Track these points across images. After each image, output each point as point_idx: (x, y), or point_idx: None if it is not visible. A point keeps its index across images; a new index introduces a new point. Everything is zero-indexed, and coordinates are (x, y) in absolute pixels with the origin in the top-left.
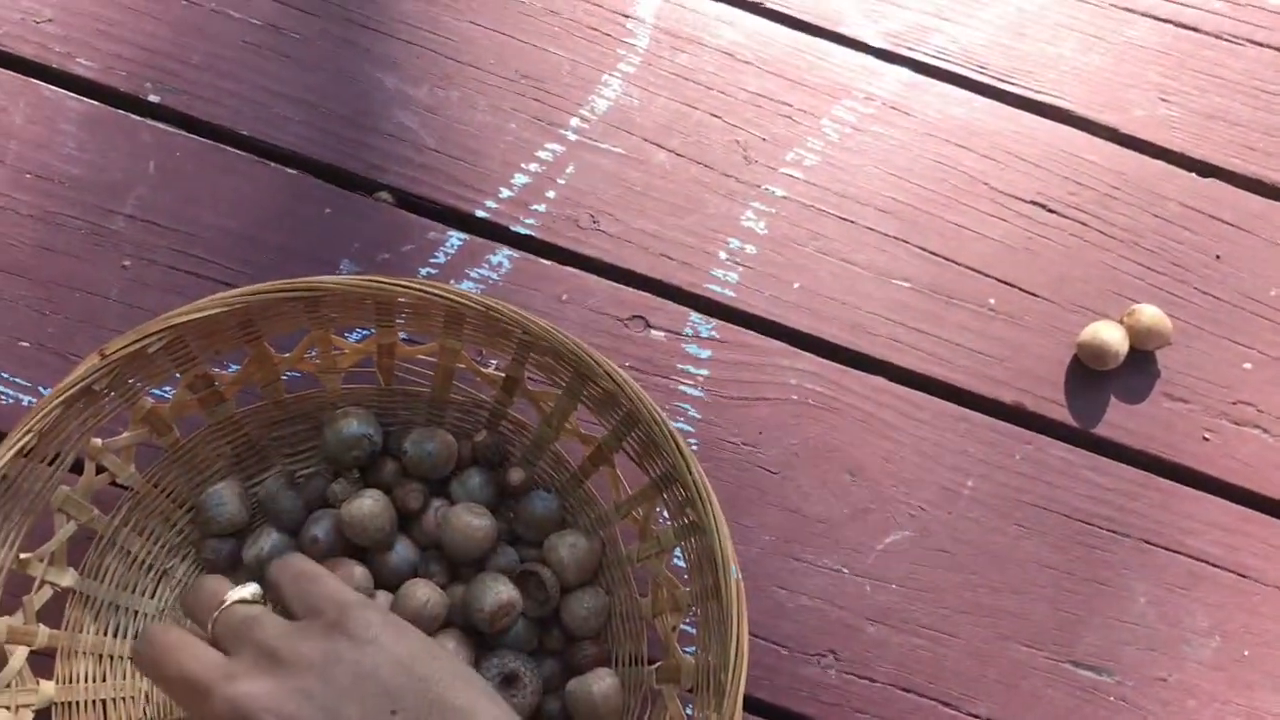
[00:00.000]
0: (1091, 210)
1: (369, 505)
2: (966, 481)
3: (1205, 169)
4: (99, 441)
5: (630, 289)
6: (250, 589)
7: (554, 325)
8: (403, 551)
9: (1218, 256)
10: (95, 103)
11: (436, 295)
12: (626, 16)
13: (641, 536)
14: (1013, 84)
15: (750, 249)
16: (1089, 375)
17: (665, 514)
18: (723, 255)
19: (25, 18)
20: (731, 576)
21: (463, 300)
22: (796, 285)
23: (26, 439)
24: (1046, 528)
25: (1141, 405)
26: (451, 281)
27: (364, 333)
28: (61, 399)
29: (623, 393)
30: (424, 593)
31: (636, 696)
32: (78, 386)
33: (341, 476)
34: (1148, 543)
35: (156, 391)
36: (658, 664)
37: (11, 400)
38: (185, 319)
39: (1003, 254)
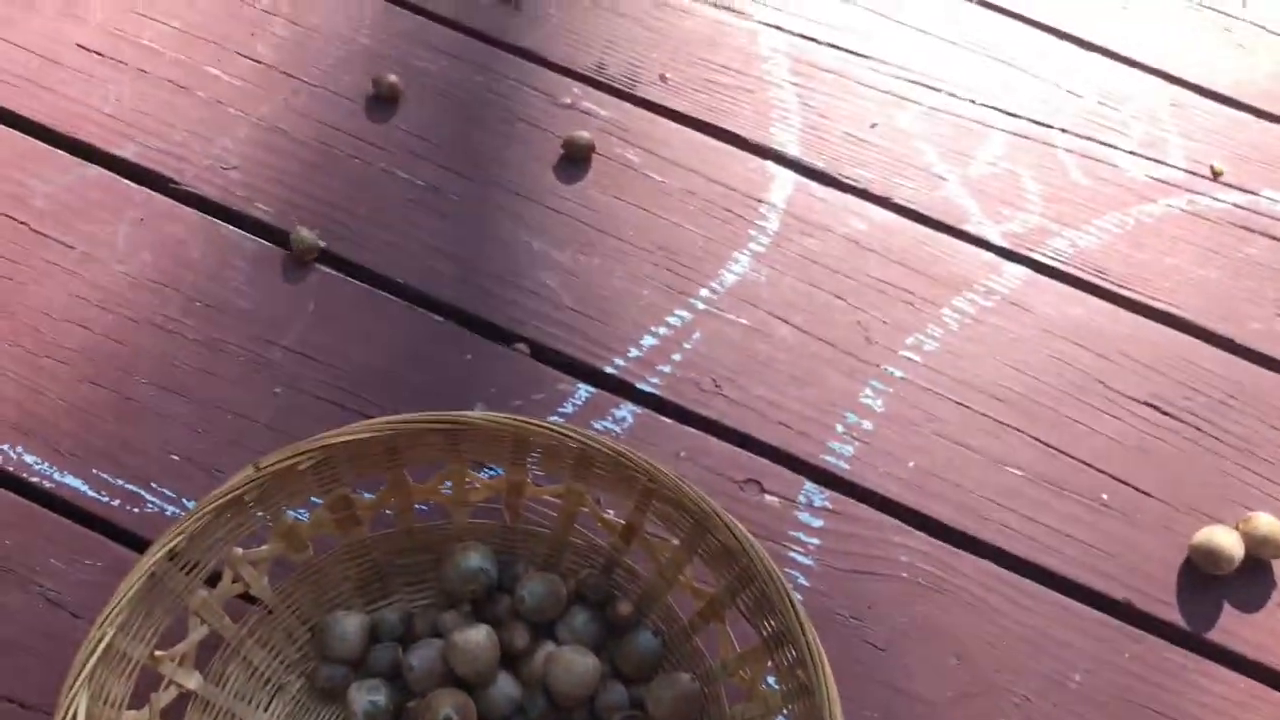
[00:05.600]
0: (1206, 416)
1: (481, 636)
2: (1073, 675)
3: None
4: (239, 551)
5: (747, 453)
6: None
7: (679, 476)
8: (505, 688)
9: None
10: (267, 244)
11: (570, 437)
12: (759, 201)
13: (748, 696)
14: (1129, 289)
15: (867, 425)
16: (1202, 579)
17: (773, 678)
18: (840, 429)
19: (214, 164)
20: None
21: (594, 444)
22: (911, 464)
23: (177, 540)
24: None
25: (1257, 615)
26: None
27: (493, 472)
28: (213, 506)
29: (740, 548)
30: None
31: None
32: (229, 496)
33: (454, 608)
34: None
35: (292, 512)
36: None
37: (156, 509)
38: (337, 440)
39: (1116, 451)
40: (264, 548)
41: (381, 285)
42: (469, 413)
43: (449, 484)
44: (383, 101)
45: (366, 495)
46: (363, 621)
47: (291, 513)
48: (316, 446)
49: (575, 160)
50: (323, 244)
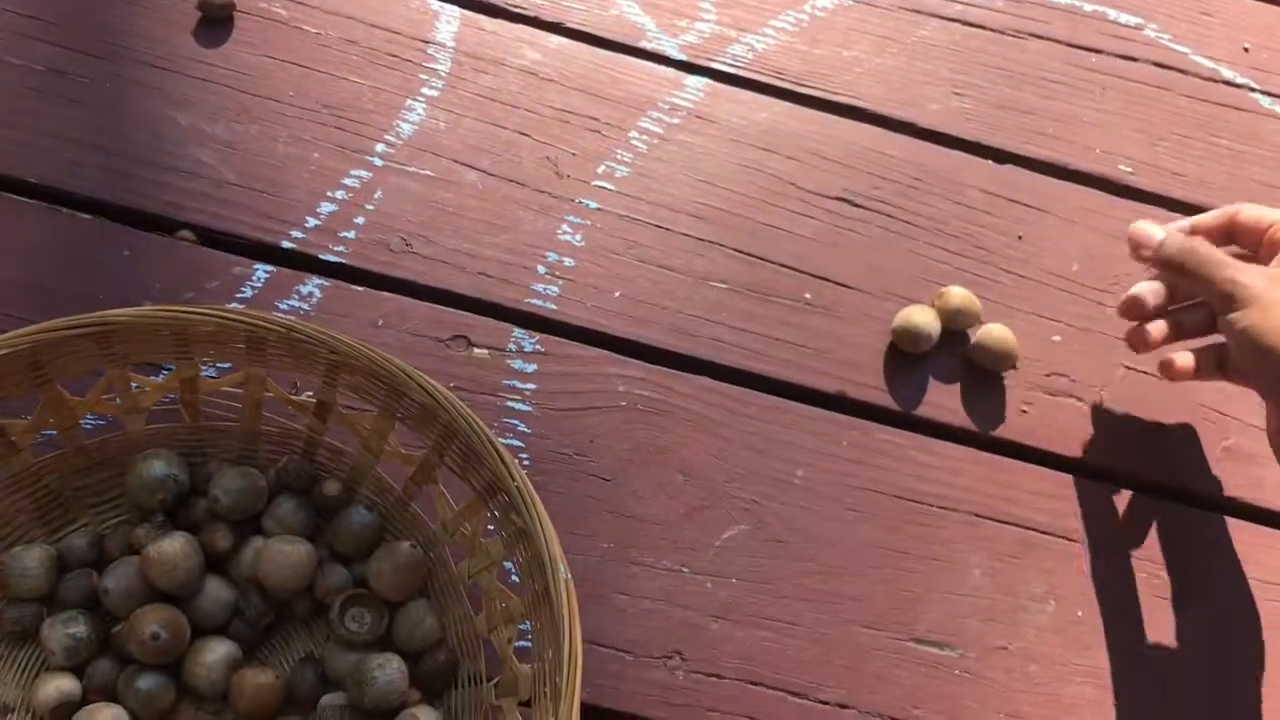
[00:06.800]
0: (896, 202)
1: (178, 545)
2: (796, 471)
3: (1002, 156)
4: None
5: (449, 309)
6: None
7: (361, 341)
8: (216, 593)
9: (1020, 237)
10: None
11: (234, 320)
12: (426, 42)
13: (471, 551)
14: (810, 88)
15: (569, 262)
16: (906, 359)
17: (494, 528)
18: (542, 270)
19: None
20: (560, 576)
21: (262, 323)
22: (617, 294)
23: None
24: (878, 510)
25: (959, 385)
26: None
27: (168, 370)
28: None
29: (438, 405)
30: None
31: (478, 715)
32: None
33: (146, 521)
34: (977, 515)
35: None
36: (496, 679)
37: None
38: None
39: (814, 250)
40: None
41: (12, 188)
42: (116, 310)
43: (114, 391)
44: None
45: (24, 418)
46: (45, 553)
47: None
48: None
49: (214, 21)
50: None
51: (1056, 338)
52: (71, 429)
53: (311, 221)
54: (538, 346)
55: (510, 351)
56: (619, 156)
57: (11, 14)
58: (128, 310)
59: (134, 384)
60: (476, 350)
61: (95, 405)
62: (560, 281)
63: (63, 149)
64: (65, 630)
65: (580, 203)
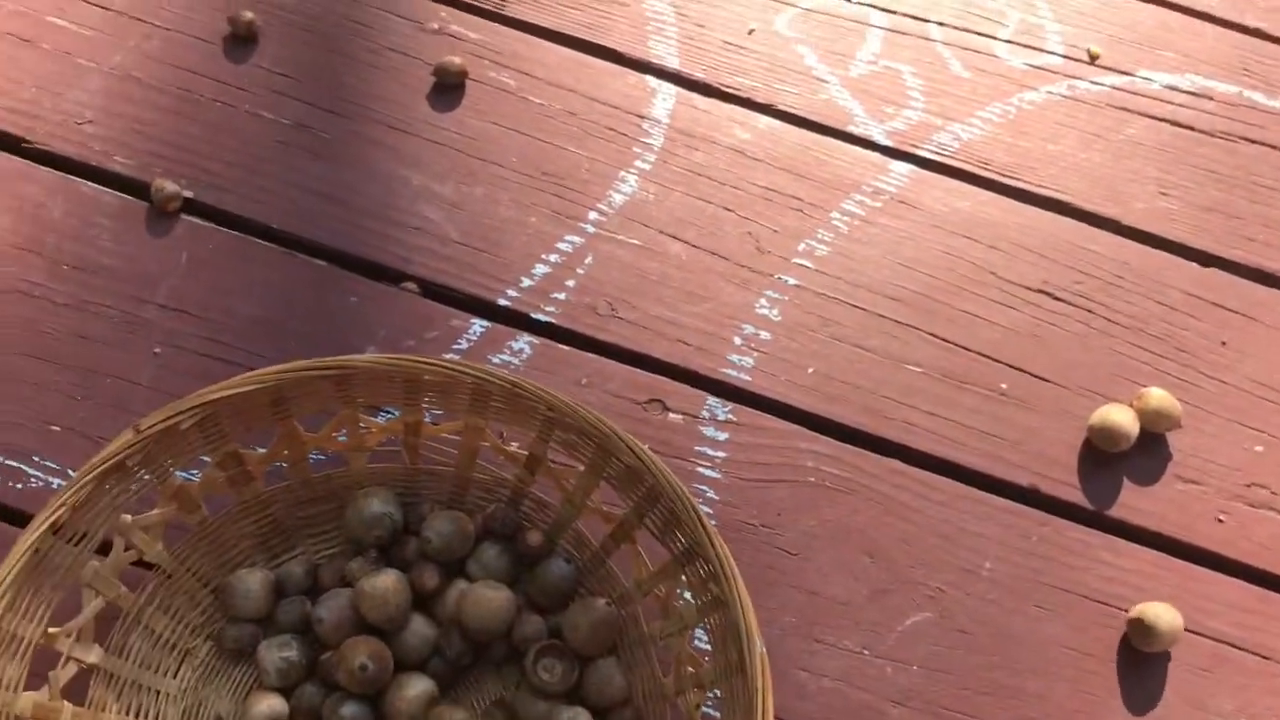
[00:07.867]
0: (1097, 298)
1: (390, 581)
2: (984, 563)
3: (1206, 259)
4: (128, 518)
5: (648, 373)
6: None
7: (578, 402)
8: (420, 630)
9: (1223, 343)
10: (131, 198)
11: (463, 372)
12: (642, 117)
13: (664, 614)
14: (1015, 179)
15: (765, 335)
16: (1101, 458)
17: (688, 593)
18: (738, 341)
19: (66, 119)
20: (756, 650)
21: (489, 377)
22: (811, 370)
23: (59, 513)
24: (1065, 608)
25: (1155, 487)
26: None
27: (389, 414)
28: (95, 474)
29: (645, 468)
30: None
31: None
32: (111, 462)
33: (360, 555)
34: None
35: (183, 473)
36: None
37: (42, 483)
38: (218, 395)
39: (1011, 340)
40: (154, 512)
41: (256, 232)
42: (356, 356)
43: (343, 430)
44: (241, 40)
45: (259, 449)
46: (266, 578)
47: (180, 473)
48: (198, 404)
49: (448, 87)
50: (188, 193)
51: (1259, 448)
52: (300, 463)
53: (526, 282)
54: (730, 416)
55: (703, 418)
56: (820, 236)
57: (267, 72)
58: (365, 356)
59: (361, 424)
60: (671, 415)
61: (326, 442)
62: (755, 354)
63: (303, 199)
64: (279, 653)
65: (779, 278)
